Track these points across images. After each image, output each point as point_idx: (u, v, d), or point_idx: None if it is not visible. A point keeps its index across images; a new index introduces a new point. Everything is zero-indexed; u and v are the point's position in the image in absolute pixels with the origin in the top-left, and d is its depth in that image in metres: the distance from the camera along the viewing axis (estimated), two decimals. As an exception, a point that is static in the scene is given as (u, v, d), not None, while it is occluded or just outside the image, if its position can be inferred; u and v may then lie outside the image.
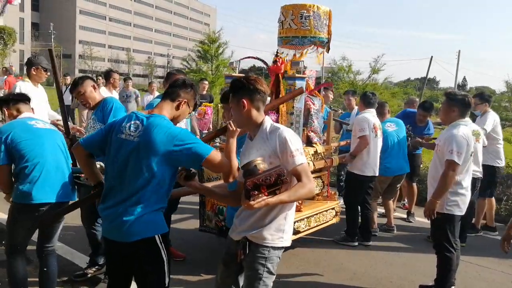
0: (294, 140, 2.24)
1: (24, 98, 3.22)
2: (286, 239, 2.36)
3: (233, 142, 2.43)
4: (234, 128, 2.49)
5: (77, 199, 3.15)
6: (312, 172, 3.95)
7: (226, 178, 2.32)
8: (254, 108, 2.31)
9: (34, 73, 4.49)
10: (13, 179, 2.96)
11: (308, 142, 4.45)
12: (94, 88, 3.54)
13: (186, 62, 23.92)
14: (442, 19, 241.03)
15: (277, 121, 3.88)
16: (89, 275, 3.67)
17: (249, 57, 4.82)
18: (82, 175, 3.09)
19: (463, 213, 3.62)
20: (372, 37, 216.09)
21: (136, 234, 2.20)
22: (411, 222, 5.92)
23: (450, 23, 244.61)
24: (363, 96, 5.14)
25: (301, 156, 2.22)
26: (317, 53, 4.49)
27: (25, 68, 4.82)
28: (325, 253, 4.68)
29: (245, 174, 2.12)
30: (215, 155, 2.21)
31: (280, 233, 2.32)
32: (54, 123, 3.89)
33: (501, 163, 5.53)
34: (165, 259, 2.29)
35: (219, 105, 4.70)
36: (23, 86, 4.46)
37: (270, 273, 2.32)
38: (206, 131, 7.41)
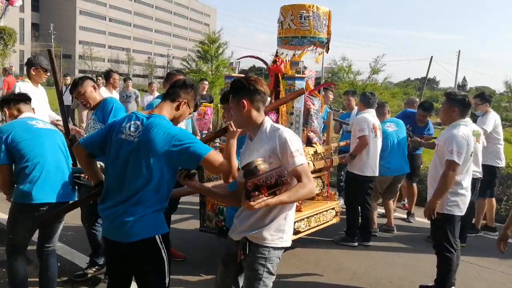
0: (294, 140, 2.24)
1: (25, 98, 3.23)
2: (286, 240, 2.36)
3: (233, 143, 2.43)
4: (235, 129, 2.49)
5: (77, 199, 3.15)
6: (312, 172, 3.95)
7: (226, 179, 2.32)
8: (254, 108, 2.31)
9: (34, 73, 4.49)
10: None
11: (308, 142, 4.46)
12: (94, 88, 3.55)
13: (186, 63, 23.98)
14: (442, 19, 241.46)
15: (277, 121, 3.88)
16: (89, 275, 3.67)
17: (248, 56, 4.83)
18: (82, 175, 3.10)
19: (463, 213, 3.62)
20: (372, 37, 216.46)
21: (136, 234, 2.20)
22: (411, 222, 5.92)
23: (450, 23, 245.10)
24: (363, 97, 5.14)
25: (301, 156, 2.22)
26: (315, 53, 4.50)
27: (25, 69, 4.82)
28: (325, 253, 4.68)
29: (245, 175, 2.12)
30: (214, 155, 2.21)
31: (280, 233, 2.32)
32: (54, 124, 3.89)
33: (501, 163, 5.54)
34: (165, 259, 2.29)
35: (219, 106, 4.70)
36: (23, 86, 4.45)
37: (270, 273, 2.32)
38: (206, 132, 7.40)
